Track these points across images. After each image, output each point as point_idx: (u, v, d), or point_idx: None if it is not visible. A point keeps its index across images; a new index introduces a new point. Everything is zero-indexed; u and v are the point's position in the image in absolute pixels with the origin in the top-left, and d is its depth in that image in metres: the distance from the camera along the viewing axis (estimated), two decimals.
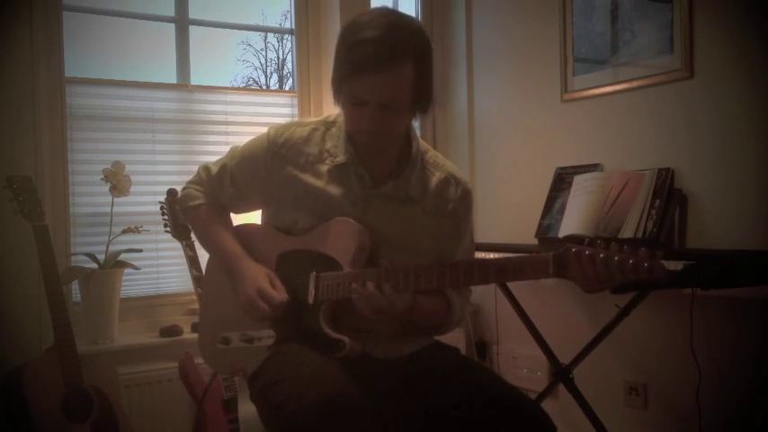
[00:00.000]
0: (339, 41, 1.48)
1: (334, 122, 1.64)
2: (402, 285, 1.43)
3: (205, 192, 1.73)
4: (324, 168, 1.59)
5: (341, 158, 1.58)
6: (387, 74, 1.41)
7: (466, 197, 1.66)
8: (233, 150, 1.72)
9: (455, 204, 1.64)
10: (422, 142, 1.67)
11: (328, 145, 1.61)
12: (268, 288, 1.53)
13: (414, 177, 1.60)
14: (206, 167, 1.74)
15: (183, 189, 1.78)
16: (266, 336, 1.55)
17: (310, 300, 1.53)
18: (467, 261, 1.46)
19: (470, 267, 1.41)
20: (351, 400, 1.31)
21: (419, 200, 1.61)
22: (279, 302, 1.52)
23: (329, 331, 1.49)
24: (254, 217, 1.81)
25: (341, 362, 1.44)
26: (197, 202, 1.72)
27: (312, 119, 1.69)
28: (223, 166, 1.70)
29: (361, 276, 1.46)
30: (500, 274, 1.38)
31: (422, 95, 1.50)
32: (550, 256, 1.29)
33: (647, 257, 1.18)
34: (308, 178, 1.59)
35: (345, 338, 1.46)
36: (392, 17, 1.45)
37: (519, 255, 1.38)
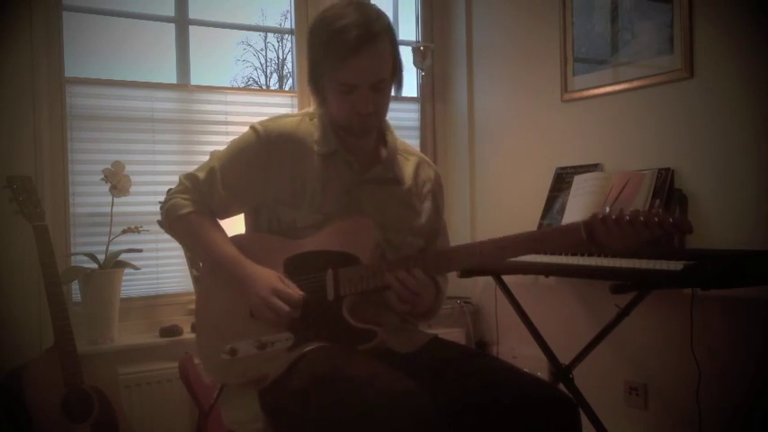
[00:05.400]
0: (313, 40, 1.55)
1: (314, 114, 1.67)
2: (432, 268, 1.49)
3: (192, 199, 1.65)
4: (315, 159, 1.61)
5: (327, 148, 1.61)
6: (371, 53, 1.48)
7: (438, 178, 1.78)
8: (217, 154, 1.68)
9: (432, 184, 1.74)
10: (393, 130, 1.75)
11: (315, 136, 1.63)
12: (283, 287, 1.51)
13: (396, 161, 1.68)
14: (190, 175, 1.68)
15: (168, 201, 1.68)
16: (283, 339, 1.51)
17: (330, 296, 1.52)
18: (500, 238, 1.47)
19: (504, 244, 1.45)
20: (423, 394, 1.31)
21: (404, 181, 1.68)
22: (297, 299, 1.50)
23: (357, 324, 1.49)
24: (240, 223, 1.75)
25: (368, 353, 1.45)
26: (185, 210, 1.64)
27: (294, 112, 1.71)
28: (211, 170, 1.64)
29: (385, 266, 1.49)
30: (533, 246, 1.44)
31: (397, 68, 1.58)
32: (581, 223, 1.38)
33: (671, 214, 1.32)
34: (306, 168, 1.60)
35: (376, 328, 1.47)
36: (354, 4, 1.53)
37: (548, 228, 1.45)
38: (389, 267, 1.49)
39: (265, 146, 1.60)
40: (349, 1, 1.54)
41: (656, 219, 1.30)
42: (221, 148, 3.04)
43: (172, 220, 1.67)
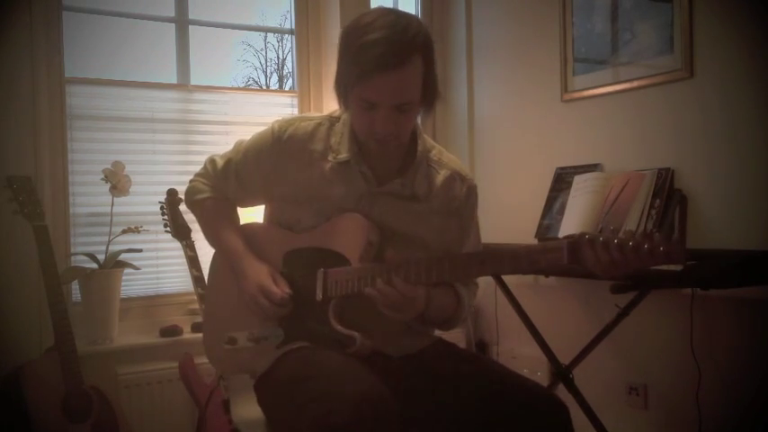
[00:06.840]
0: (343, 46, 1.46)
1: (338, 118, 1.62)
2: (413, 278, 1.41)
3: (211, 185, 1.71)
4: (327, 165, 1.57)
5: (344, 156, 1.56)
6: (398, 74, 1.39)
7: (471, 194, 1.66)
8: (238, 145, 1.71)
9: (461, 202, 1.64)
10: (427, 139, 1.66)
11: (332, 141, 1.59)
12: (270, 285, 1.51)
13: (419, 175, 1.59)
14: (212, 160, 1.72)
15: (191, 181, 1.75)
16: (274, 335, 1.52)
17: (318, 296, 1.51)
18: (479, 252, 1.44)
19: (483, 258, 1.38)
20: (383, 398, 1.29)
21: (425, 198, 1.59)
22: (280, 298, 1.50)
23: (339, 327, 1.47)
24: (260, 212, 1.78)
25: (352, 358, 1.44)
26: (203, 195, 1.70)
27: (317, 114, 1.66)
28: (228, 161, 1.69)
29: (370, 271, 1.45)
30: (513, 263, 1.34)
31: (429, 90, 1.49)
32: (564, 244, 1.25)
33: (663, 242, 1.15)
34: (311, 176, 1.57)
35: (356, 334, 1.45)
36: (393, 15, 1.43)
37: (533, 244, 1.36)
38: (378, 272, 1.44)
39: (276, 146, 1.61)
40: (389, 9, 1.46)
41: (647, 246, 1.15)
42: (221, 148, 3.07)
43: (190, 203, 1.75)
